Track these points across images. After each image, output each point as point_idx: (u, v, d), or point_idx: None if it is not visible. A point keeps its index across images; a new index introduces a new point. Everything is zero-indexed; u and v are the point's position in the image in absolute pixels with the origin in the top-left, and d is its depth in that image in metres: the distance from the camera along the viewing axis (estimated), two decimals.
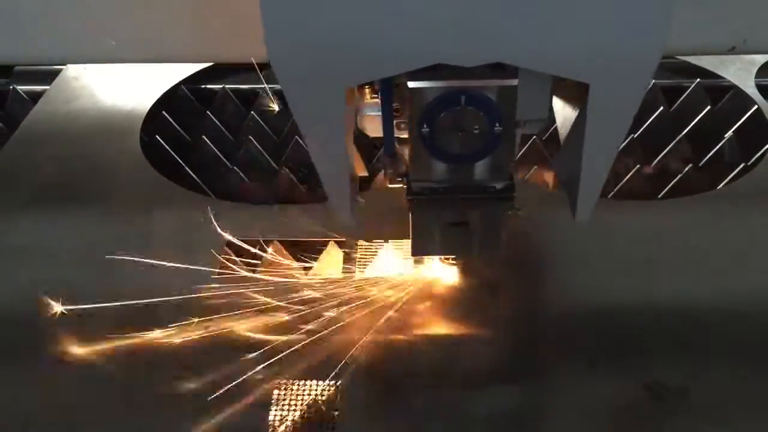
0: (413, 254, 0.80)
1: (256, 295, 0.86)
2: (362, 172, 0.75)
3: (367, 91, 0.66)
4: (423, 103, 0.60)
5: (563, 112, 0.68)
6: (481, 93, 0.59)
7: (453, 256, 0.86)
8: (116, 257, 0.92)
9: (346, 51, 0.53)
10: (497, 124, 0.61)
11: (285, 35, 0.52)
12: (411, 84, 0.59)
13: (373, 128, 0.68)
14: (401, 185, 0.70)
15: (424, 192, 0.69)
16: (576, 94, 0.62)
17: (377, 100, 0.65)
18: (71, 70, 1.32)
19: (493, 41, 0.52)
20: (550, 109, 0.65)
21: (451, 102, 0.60)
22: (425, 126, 0.61)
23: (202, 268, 0.90)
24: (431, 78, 0.59)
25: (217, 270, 0.90)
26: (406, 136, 0.66)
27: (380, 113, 0.65)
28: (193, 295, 0.86)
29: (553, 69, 0.55)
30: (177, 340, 0.82)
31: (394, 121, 0.65)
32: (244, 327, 0.83)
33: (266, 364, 0.78)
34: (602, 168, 0.63)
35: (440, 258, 0.87)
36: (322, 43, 0.52)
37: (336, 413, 0.74)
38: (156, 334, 0.82)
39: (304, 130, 0.60)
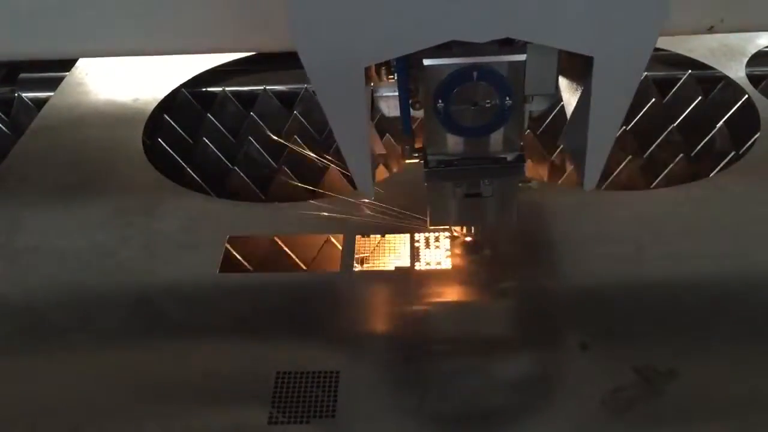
0: (431, 224, 0.85)
1: None
2: (380, 150, 0.79)
3: (383, 71, 0.70)
4: (438, 79, 0.64)
5: (569, 89, 0.71)
6: (492, 68, 0.63)
7: (465, 227, 0.91)
8: (121, 256, 0.95)
9: (366, 30, 0.56)
10: (507, 98, 0.65)
11: (308, 16, 0.56)
12: (426, 61, 0.63)
13: (390, 108, 0.73)
14: (418, 160, 0.74)
15: (439, 165, 0.73)
16: (581, 69, 0.65)
17: (392, 81, 0.69)
18: (75, 76, 1.35)
19: (503, 17, 0.56)
20: (556, 87, 0.69)
21: (464, 77, 0.64)
22: (440, 101, 0.65)
23: (205, 261, 0.93)
24: (445, 55, 0.63)
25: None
26: (420, 115, 0.71)
27: (396, 93, 0.69)
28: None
29: (558, 42, 0.58)
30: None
31: (410, 102, 0.70)
32: None
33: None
34: (607, 139, 0.67)
35: (454, 231, 0.92)
36: (342, 22, 0.56)
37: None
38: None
39: (326, 108, 0.64)
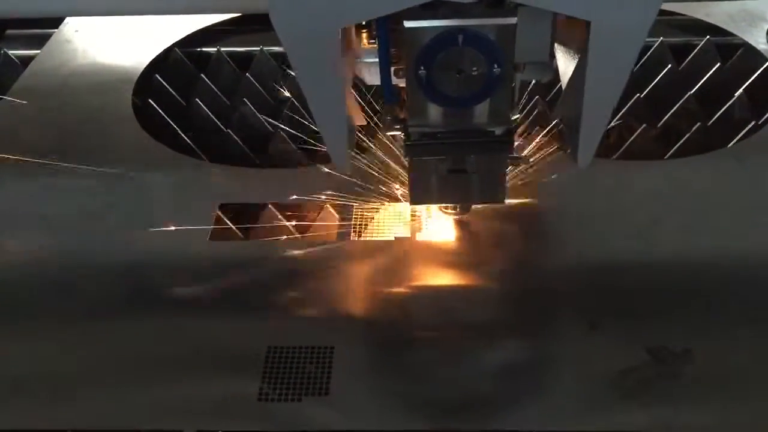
0: (412, 203, 0.80)
1: None
2: (360, 121, 0.74)
3: (364, 36, 0.65)
4: (420, 43, 0.59)
5: (565, 57, 0.65)
6: (479, 32, 0.58)
7: (451, 205, 0.85)
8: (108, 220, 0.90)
9: None
10: (496, 66, 0.60)
11: None
12: (407, 24, 0.58)
13: (371, 76, 0.68)
14: (399, 132, 0.69)
15: (422, 138, 0.67)
16: (577, 36, 0.60)
17: (374, 46, 0.64)
18: (63, 33, 1.30)
19: None
20: (552, 56, 0.63)
21: (448, 42, 0.58)
22: (422, 68, 0.60)
23: (195, 229, 0.88)
24: (428, 17, 0.57)
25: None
26: (404, 84, 0.65)
27: (377, 59, 0.63)
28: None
29: (553, 5, 0.54)
30: None
31: (392, 68, 0.64)
32: None
33: None
34: (603, 113, 0.62)
35: (438, 207, 0.86)
36: None
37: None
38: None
39: (300, 74, 0.59)
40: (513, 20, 0.58)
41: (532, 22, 0.59)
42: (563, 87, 0.68)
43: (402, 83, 0.66)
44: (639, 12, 0.53)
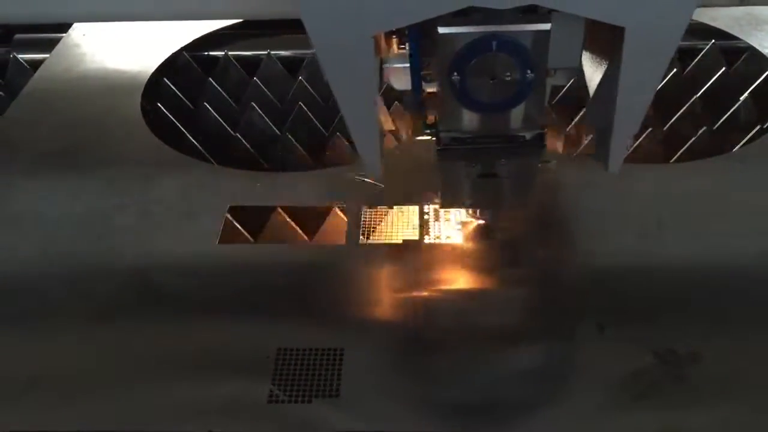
0: (442, 206, 0.81)
1: None
2: (389, 126, 0.74)
3: (394, 42, 0.65)
4: (453, 49, 0.59)
5: (592, 63, 0.66)
6: (513, 38, 0.58)
7: (479, 210, 0.85)
8: (117, 223, 0.91)
9: None
10: (529, 71, 0.60)
11: None
12: (441, 30, 0.58)
13: (399, 81, 0.68)
14: (430, 137, 0.70)
15: (453, 143, 0.68)
16: (608, 40, 0.60)
17: (404, 51, 0.64)
18: (72, 38, 1.30)
19: None
20: (579, 61, 0.63)
21: (482, 48, 0.58)
22: (455, 73, 0.60)
23: (205, 232, 0.89)
24: (462, 23, 0.58)
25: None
26: (431, 90, 0.65)
27: (407, 65, 0.64)
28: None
29: (587, 11, 0.53)
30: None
31: (421, 74, 0.64)
32: None
33: None
34: (635, 118, 0.62)
35: (467, 211, 0.87)
36: None
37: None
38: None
39: (332, 81, 0.59)
40: (547, 26, 0.58)
41: (566, 28, 0.59)
42: (590, 93, 0.67)
43: (429, 89, 0.66)
44: (673, 16, 0.53)
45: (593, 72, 0.66)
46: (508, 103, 0.63)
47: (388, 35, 0.65)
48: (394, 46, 0.66)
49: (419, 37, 0.61)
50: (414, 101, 0.67)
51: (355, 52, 0.56)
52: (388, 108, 1.09)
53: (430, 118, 0.70)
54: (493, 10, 0.53)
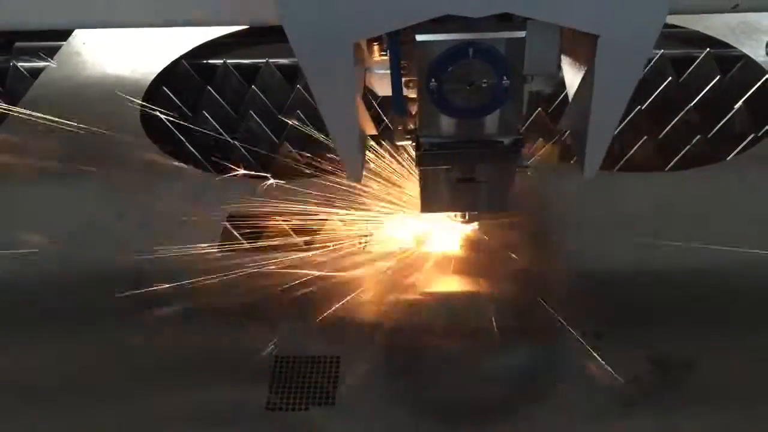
0: (422, 210, 0.81)
1: None
2: (371, 131, 0.74)
3: (375, 48, 0.66)
4: (431, 56, 0.60)
5: (571, 70, 0.66)
6: (489, 45, 0.59)
7: (461, 213, 0.86)
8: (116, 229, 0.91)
9: (355, 2, 0.53)
10: (505, 78, 0.61)
11: None
12: (419, 37, 0.59)
13: (382, 87, 0.69)
14: (410, 142, 0.70)
15: (432, 148, 0.68)
16: (584, 48, 0.61)
17: (386, 58, 0.65)
18: (72, 45, 1.31)
19: None
20: (559, 67, 0.64)
21: (459, 55, 0.59)
22: (433, 80, 0.61)
23: (203, 239, 0.89)
24: (439, 31, 0.59)
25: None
26: (414, 95, 0.66)
27: (389, 71, 0.64)
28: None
29: (561, 19, 0.54)
30: None
31: (403, 79, 0.65)
32: None
33: None
34: (610, 124, 0.63)
35: (448, 215, 0.88)
36: None
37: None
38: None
39: (313, 86, 0.60)
40: (522, 34, 0.59)
41: (541, 35, 0.60)
42: (570, 98, 0.69)
43: (412, 94, 0.67)
44: (645, 25, 0.54)
45: (573, 77, 0.67)
46: (486, 109, 0.65)
47: (370, 42, 0.66)
48: (376, 53, 0.67)
49: (399, 44, 0.62)
50: (396, 107, 0.67)
51: (335, 58, 0.57)
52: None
53: (411, 124, 0.71)
54: (471, 19, 0.54)
